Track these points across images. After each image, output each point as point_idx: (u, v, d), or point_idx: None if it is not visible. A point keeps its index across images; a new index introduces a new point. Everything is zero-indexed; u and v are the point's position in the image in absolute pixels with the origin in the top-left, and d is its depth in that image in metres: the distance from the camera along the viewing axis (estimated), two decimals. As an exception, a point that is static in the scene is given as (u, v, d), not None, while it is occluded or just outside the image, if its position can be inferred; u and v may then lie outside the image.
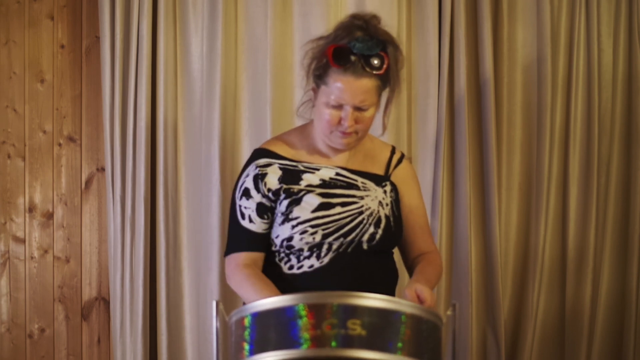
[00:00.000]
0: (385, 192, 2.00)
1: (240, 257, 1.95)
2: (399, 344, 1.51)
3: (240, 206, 1.97)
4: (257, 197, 1.95)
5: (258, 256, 1.96)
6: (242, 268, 1.93)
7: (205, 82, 2.85)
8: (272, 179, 1.95)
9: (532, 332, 2.95)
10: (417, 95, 2.93)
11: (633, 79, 2.96)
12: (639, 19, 2.94)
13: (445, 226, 2.93)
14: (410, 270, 2.05)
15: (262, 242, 1.96)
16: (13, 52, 2.92)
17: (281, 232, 1.92)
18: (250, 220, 1.95)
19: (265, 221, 1.95)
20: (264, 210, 1.95)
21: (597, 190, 2.95)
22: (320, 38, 1.92)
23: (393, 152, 2.10)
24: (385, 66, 1.85)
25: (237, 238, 1.98)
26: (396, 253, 2.09)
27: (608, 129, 2.99)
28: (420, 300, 1.78)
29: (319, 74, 1.90)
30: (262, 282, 1.90)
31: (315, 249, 1.91)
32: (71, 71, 2.95)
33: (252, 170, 1.98)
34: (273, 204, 1.95)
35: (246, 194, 1.96)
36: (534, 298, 2.94)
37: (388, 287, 1.98)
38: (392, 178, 2.05)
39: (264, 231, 1.96)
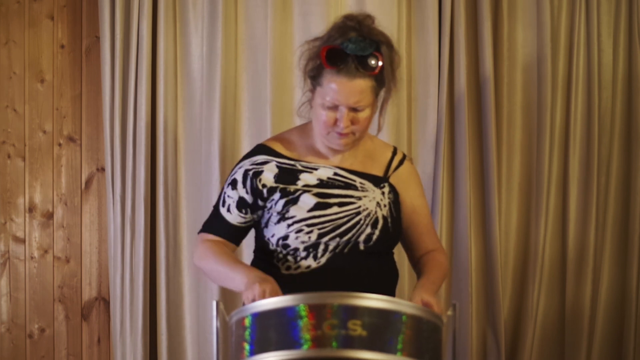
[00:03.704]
0: (383, 193, 1.99)
1: (209, 236, 2.01)
2: (400, 345, 1.51)
3: (224, 193, 2.00)
4: (241, 191, 1.97)
5: (225, 243, 2.00)
6: (205, 241, 1.99)
7: (205, 82, 2.85)
8: (268, 176, 1.96)
9: (532, 332, 2.96)
10: (417, 95, 2.93)
11: (633, 79, 2.96)
12: (639, 19, 2.94)
13: (445, 226, 2.93)
14: (416, 270, 2.04)
15: (233, 233, 2.00)
16: (13, 52, 2.92)
17: (277, 231, 1.93)
18: (228, 210, 1.98)
19: (242, 215, 1.97)
20: (243, 205, 1.97)
21: (597, 190, 2.95)
22: (316, 39, 1.92)
23: (394, 153, 2.10)
24: (379, 66, 1.85)
25: (212, 221, 2.03)
26: (397, 253, 2.09)
27: (608, 129, 2.99)
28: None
29: (313, 75, 1.90)
30: (222, 251, 1.95)
31: (311, 249, 1.91)
32: (71, 71, 2.95)
33: (245, 165, 1.99)
34: (260, 202, 1.96)
35: (233, 184, 1.99)
36: (534, 298, 2.95)
37: (386, 287, 1.97)
38: (392, 179, 2.04)
39: (238, 224, 1.98)
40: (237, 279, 1.84)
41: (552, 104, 2.95)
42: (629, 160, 2.99)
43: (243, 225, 1.99)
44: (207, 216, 2.06)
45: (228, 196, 1.99)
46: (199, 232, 2.05)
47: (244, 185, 1.96)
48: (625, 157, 3.00)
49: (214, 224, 2.01)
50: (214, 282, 2.04)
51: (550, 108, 2.95)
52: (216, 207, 2.02)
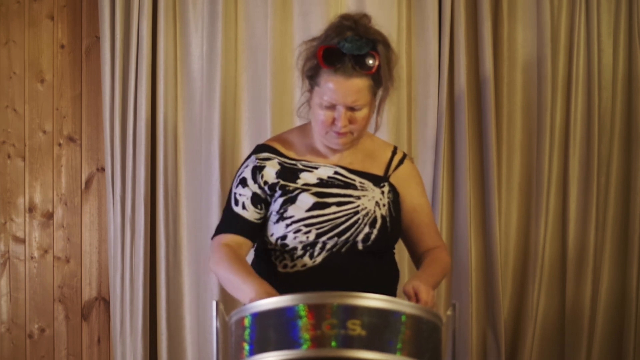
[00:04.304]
0: (382, 192, 2.00)
1: (224, 237, 1.96)
2: (399, 344, 1.51)
3: (235, 193, 1.99)
4: (253, 187, 1.97)
5: (243, 241, 1.95)
6: (222, 246, 1.94)
7: (205, 82, 2.85)
8: (270, 172, 1.96)
9: (532, 332, 2.95)
10: (417, 95, 2.93)
11: (633, 79, 2.96)
12: (639, 19, 2.94)
13: (445, 226, 2.93)
14: (417, 267, 2.05)
15: (250, 229, 1.96)
16: (13, 52, 2.92)
17: (275, 230, 1.93)
18: (244, 207, 1.96)
19: (258, 211, 1.96)
20: (258, 200, 1.96)
21: (597, 190, 2.95)
22: (313, 39, 1.93)
23: (394, 152, 2.10)
24: (375, 66, 1.85)
25: (226, 222, 1.98)
26: (398, 253, 2.09)
27: (608, 129, 2.99)
28: (416, 295, 1.77)
29: (311, 75, 1.91)
30: (238, 260, 1.89)
31: (308, 247, 1.91)
32: (71, 71, 2.95)
33: (251, 162, 2.00)
34: (268, 198, 1.96)
35: (243, 182, 1.98)
36: (534, 298, 2.95)
37: (385, 287, 1.97)
38: (392, 179, 2.04)
39: (255, 220, 1.96)
40: (245, 290, 1.80)
41: (552, 104, 2.95)
42: (629, 160, 2.99)
43: (259, 221, 1.97)
44: (219, 221, 2.02)
45: (240, 195, 1.97)
46: (212, 237, 2.01)
47: (255, 181, 1.97)
48: (625, 157, 3.00)
49: (228, 224, 1.98)
50: (227, 291, 2.01)
51: (550, 108, 2.94)
52: (228, 209, 1.99)
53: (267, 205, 1.97)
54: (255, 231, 1.98)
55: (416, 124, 2.94)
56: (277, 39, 2.84)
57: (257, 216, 1.97)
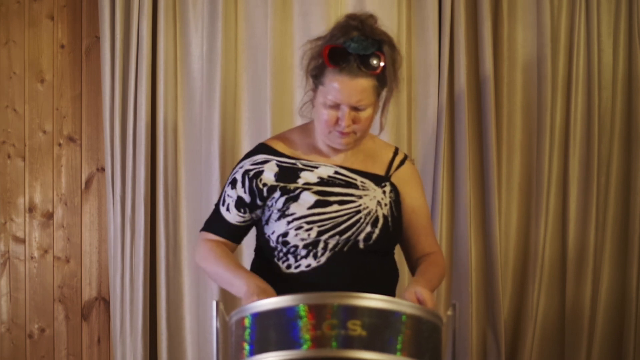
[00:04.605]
0: (384, 192, 2.00)
1: (209, 235, 2.03)
2: (399, 345, 1.51)
3: (225, 192, 2.03)
4: (239, 191, 1.98)
5: (226, 243, 2.02)
6: (207, 242, 2.02)
7: (205, 82, 2.86)
8: (269, 176, 1.97)
9: (532, 332, 2.96)
10: (417, 95, 2.94)
11: (633, 79, 2.96)
12: (639, 19, 2.94)
13: (445, 226, 2.93)
14: (414, 271, 2.05)
15: (233, 232, 2.02)
16: (13, 52, 2.92)
17: (277, 227, 1.94)
18: (227, 209, 2.00)
19: (241, 214, 1.99)
20: (241, 205, 1.98)
21: (597, 190, 2.95)
22: (318, 38, 1.93)
23: (396, 153, 2.10)
24: (381, 66, 1.85)
25: (212, 220, 2.05)
26: (397, 253, 2.09)
27: (608, 129, 2.99)
28: (419, 302, 1.78)
29: (315, 74, 1.91)
30: (225, 255, 1.97)
31: (311, 247, 1.91)
32: (71, 71, 2.95)
33: (246, 165, 2.01)
34: (259, 201, 1.96)
35: (233, 183, 2.00)
36: (534, 298, 2.95)
37: (387, 287, 1.98)
38: (393, 179, 2.05)
39: (237, 223, 2.00)
40: (237, 285, 1.86)
41: (552, 104, 2.95)
42: (629, 160, 2.99)
43: (242, 224, 2.01)
44: (209, 214, 2.07)
45: (228, 195, 2.00)
46: (200, 230, 2.06)
47: (243, 185, 1.97)
48: (625, 157, 3.00)
49: (214, 223, 2.03)
50: (216, 283, 2.05)
51: (550, 108, 2.95)
52: (217, 206, 2.04)
53: (253, 209, 1.98)
54: (238, 233, 2.03)
55: (416, 124, 2.94)
56: (277, 39, 2.84)
57: (240, 219, 2.00)
